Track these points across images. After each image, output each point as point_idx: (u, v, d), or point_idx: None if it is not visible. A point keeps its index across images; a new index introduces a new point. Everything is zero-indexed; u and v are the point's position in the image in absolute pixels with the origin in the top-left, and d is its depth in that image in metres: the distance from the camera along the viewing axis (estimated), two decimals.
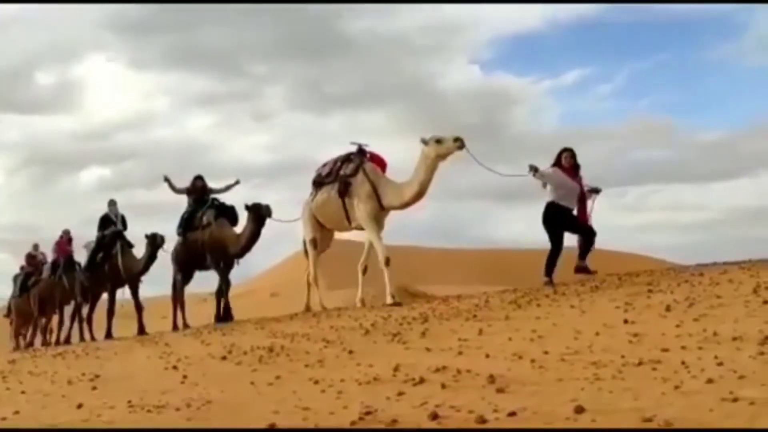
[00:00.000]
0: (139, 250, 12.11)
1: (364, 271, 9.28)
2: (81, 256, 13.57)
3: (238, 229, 10.68)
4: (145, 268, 11.99)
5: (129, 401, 4.30)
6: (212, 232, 10.68)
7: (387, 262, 8.30)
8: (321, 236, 9.70)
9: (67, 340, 13.72)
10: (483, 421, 2.73)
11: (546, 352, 4.07)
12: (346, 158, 9.06)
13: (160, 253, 11.63)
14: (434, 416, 2.92)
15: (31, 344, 15.54)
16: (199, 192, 11.18)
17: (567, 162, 7.89)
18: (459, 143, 7.91)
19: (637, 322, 4.58)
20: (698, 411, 2.52)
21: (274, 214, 10.21)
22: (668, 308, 4.83)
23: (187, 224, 11.07)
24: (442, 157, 8.07)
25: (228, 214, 10.90)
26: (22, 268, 16.31)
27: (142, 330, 11.67)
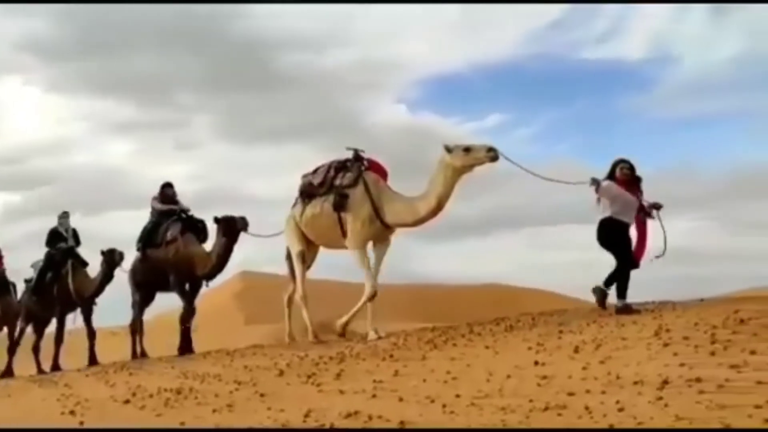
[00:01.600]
0: (94, 269, 10.67)
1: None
2: (19, 276, 11.85)
3: (208, 246, 9.44)
4: (100, 289, 10.51)
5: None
6: (178, 249, 9.36)
7: (373, 296, 7.39)
8: (307, 251, 8.37)
9: (7, 373, 11.58)
10: None
11: (458, 396, 4.08)
12: (342, 165, 7.84)
13: (118, 273, 10.23)
14: None
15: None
16: (168, 202, 9.86)
17: (622, 174, 6.88)
18: (492, 153, 6.85)
19: (547, 363, 4.66)
20: None
21: (249, 228, 9.00)
22: (577, 350, 4.95)
23: (148, 239, 9.71)
24: (468, 168, 7.04)
25: (197, 228, 9.59)
26: None
27: (93, 360, 10.39)
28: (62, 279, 10.64)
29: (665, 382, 3.66)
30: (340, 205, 7.58)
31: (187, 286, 9.40)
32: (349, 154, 7.90)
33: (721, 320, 5.13)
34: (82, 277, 10.66)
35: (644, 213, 6.99)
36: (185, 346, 9.29)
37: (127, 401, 5.56)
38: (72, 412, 5.36)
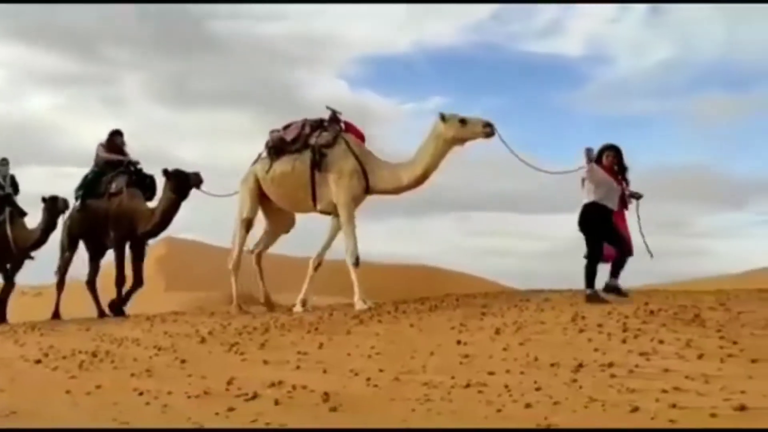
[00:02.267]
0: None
1: (317, 267, 7.66)
2: None
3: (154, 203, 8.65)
4: (41, 239, 9.46)
5: None
6: (121, 203, 8.57)
7: (357, 261, 6.99)
8: (271, 216, 7.85)
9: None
10: None
11: (382, 370, 4.14)
12: (318, 124, 7.34)
13: (62, 221, 9.18)
14: None
15: None
16: (115, 151, 9.00)
17: (608, 161, 6.65)
18: (489, 129, 6.54)
19: (469, 343, 4.80)
20: None
21: (202, 185, 8.20)
22: (498, 331, 5.11)
23: (89, 189, 8.88)
24: (460, 140, 6.71)
25: (143, 183, 8.80)
26: None
27: (2, 317, 9.49)
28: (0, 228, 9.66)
29: (580, 365, 3.84)
30: (318, 164, 7.12)
31: (126, 242, 8.67)
32: (325, 114, 7.43)
33: (632, 311, 5.41)
34: (21, 227, 9.71)
35: (623, 203, 6.85)
36: (117, 307, 8.62)
37: (38, 361, 5.35)
38: None
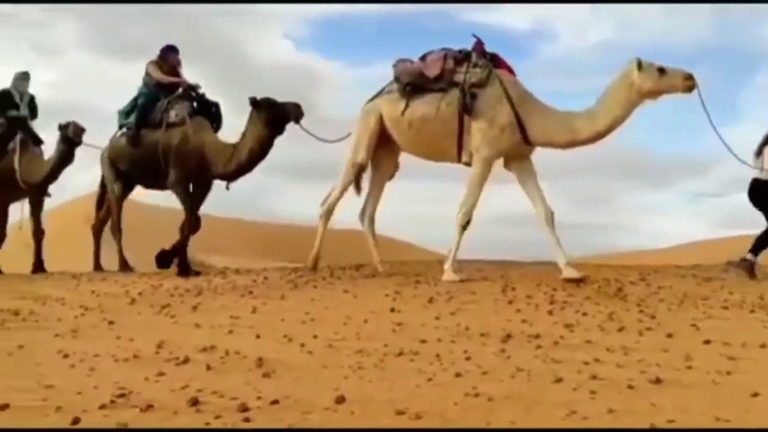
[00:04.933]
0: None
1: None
2: None
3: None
4: (54, 173, 8.13)
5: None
6: (186, 135, 7.16)
7: (467, 224, 6.08)
8: (381, 162, 6.68)
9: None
10: (245, 409, 2.70)
11: (315, 336, 4.17)
12: (464, 57, 6.15)
13: (81, 152, 7.96)
14: (194, 402, 2.82)
15: None
16: (170, 72, 7.60)
17: None
18: (690, 83, 5.60)
19: (403, 311, 4.88)
20: (444, 404, 2.75)
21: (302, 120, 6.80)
22: (431, 300, 5.22)
23: (142, 116, 7.42)
24: (656, 93, 5.70)
25: (208, 112, 7.43)
26: None
27: (39, 266, 8.37)
28: (7, 157, 8.31)
29: (508, 336, 3.98)
30: (468, 108, 5.93)
31: (193, 184, 7.28)
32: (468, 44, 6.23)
33: (560, 283, 5.63)
34: (33, 157, 8.34)
35: None
36: (182, 267, 7.25)
37: None
38: None
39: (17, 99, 8.45)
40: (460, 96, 6.00)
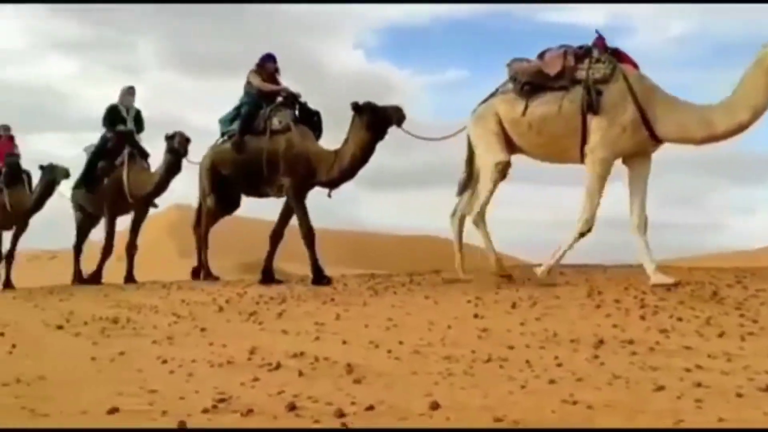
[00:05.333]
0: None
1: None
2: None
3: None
4: (161, 184, 8.25)
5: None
6: (291, 142, 7.09)
7: (588, 230, 5.79)
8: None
9: (7, 284, 9.82)
10: (341, 414, 2.74)
11: (401, 342, 4.18)
12: (584, 53, 5.89)
13: (186, 165, 7.98)
14: (291, 407, 2.89)
15: None
16: (270, 80, 7.58)
17: None
18: None
19: (486, 317, 4.83)
20: (541, 412, 2.70)
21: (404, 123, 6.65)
22: (514, 305, 5.15)
23: (247, 124, 7.37)
24: None
25: (310, 120, 7.39)
26: None
27: (130, 277, 8.65)
28: (116, 171, 8.48)
29: (600, 341, 3.87)
30: (592, 105, 5.64)
31: (296, 190, 7.16)
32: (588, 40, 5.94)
33: (648, 287, 5.43)
34: (141, 170, 8.51)
35: None
36: (317, 276, 7.03)
37: (60, 327, 5.42)
38: (2, 334, 5.18)
39: (124, 113, 8.74)
40: (584, 93, 5.71)
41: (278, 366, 3.72)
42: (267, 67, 7.63)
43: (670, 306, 4.68)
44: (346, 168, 6.88)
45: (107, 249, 8.86)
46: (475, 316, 4.88)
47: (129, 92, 8.90)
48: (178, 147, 8.03)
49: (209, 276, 8.31)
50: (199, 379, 3.57)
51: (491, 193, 6.24)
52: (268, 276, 7.40)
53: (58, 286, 8.75)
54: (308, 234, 7.08)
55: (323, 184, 7.10)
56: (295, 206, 7.15)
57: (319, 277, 7.02)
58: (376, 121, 6.62)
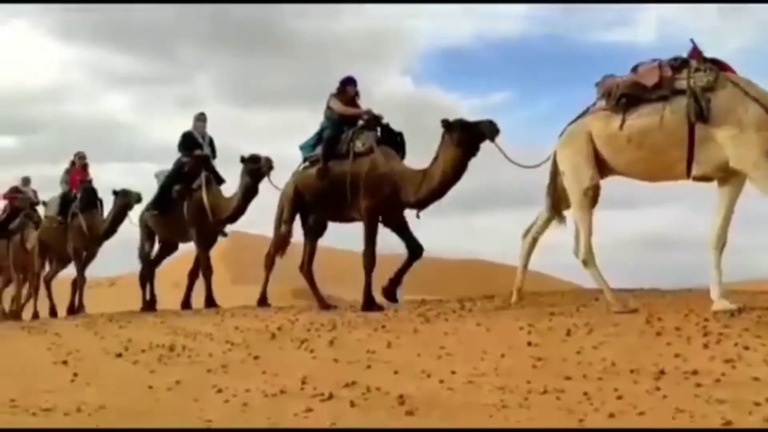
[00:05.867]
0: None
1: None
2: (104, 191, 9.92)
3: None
4: (241, 207, 8.25)
5: (12, 400, 3.97)
6: (375, 164, 6.92)
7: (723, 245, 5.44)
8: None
9: (74, 309, 10.07)
10: None
11: (454, 372, 4.13)
12: (681, 64, 5.56)
13: (264, 187, 7.96)
14: None
15: (16, 315, 11.22)
16: (350, 102, 7.49)
17: None
18: None
19: (540, 345, 4.73)
20: None
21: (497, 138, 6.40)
22: (569, 333, 5.02)
23: (330, 148, 7.23)
24: None
25: (394, 141, 7.23)
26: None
27: (209, 301, 8.69)
28: (194, 194, 8.56)
29: (661, 372, 3.73)
30: (703, 113, 5.28)
31: (393, 215, 7.07)
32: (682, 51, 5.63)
33: (711, 313, 5.22)
34: (218, 195, 8.59)
35: None
36: (368, 302, 6.96)
37: (119, 355, 5.56)
38: (65, 362, 5.35)
39: (199, 139, 8.89)
40: (690, 102, 5.36)
41: (330, 396, 3.73)
42: (347, 90, 7.51)
43: (735, 333, 4.48)
44: (435, 187, 6.66)
45: (207, 269, 8.76)
46: (529, 344, 4.78)
47: (200, 118, 9.02)
48: (264, 170, 7.99)
49: (263, 302, 8.40)
50: (253, 409, 3.61)
51: (589, 223, 5.83)
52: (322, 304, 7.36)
53: (118, 313, 8.99)
54: (370, 259, 6.98)
55: (411, 205, 6.89)
56: (366, 228, 6.97)
57: (370, 304, 6.94)
58: (467, 137, 6.44)
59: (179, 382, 4.37)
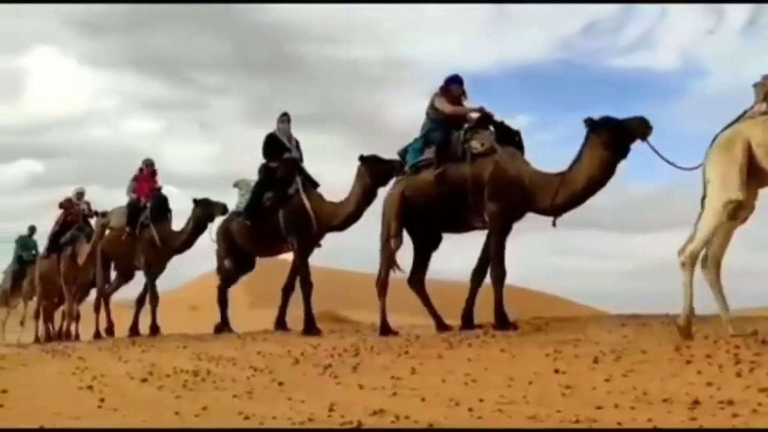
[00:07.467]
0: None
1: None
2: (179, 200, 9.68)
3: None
4: (356, 213, 7.36)
5: (41, 426, 3.98)
6: (499, 165, 6.34)
7: None
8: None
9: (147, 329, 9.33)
10: None
11: (481, 400, 4.08)
12: None
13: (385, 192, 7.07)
14: None
15: (66, 334, 10.78)
16: (455, 102, 6.93)
17: None
18: None
19: (568, 372, 4.67)
20: None
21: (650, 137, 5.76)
22: (596, 360, 4.96)
23: (443, 152, 6.60)
24: None
25: (512, 140, 6.60)
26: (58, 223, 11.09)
27: (309, 325, 7.65)
28: (291, 200, 7.61)
29: (695, 402, 3.66)
30: None
31: (506, 216, 6.41)
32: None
33: (741, 340, 5.13)
34: (319, 200, 7.67)
35: None
36: (499, 321, 6.51)
37: (144, 380, 5.57)
38: (90, 387, 5.37)
39: (285, 141, 8.02)
40: None
41: (359, 425, 3.69)
42: (452, 89, 6.93)
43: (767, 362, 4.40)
44: (579, 192, 6.08)
45: (308, 284, 7.80)
46: (556, 371, 4.72)
47: (283, 119, 8.11)
48: (390, 171, 7.11)
49: (280, 325, 8.32)
50: None
51: (711, 233, 5.25)
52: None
53: (140, 337, 9.01)
54: (500, 271, 6.45)
55: (545, 212, 6.32)
56: (495, 237, 6.39)
57: (503, 322, 6.52)
58: (616, 137, 5.83)
59: (206, 408, 4.36)
